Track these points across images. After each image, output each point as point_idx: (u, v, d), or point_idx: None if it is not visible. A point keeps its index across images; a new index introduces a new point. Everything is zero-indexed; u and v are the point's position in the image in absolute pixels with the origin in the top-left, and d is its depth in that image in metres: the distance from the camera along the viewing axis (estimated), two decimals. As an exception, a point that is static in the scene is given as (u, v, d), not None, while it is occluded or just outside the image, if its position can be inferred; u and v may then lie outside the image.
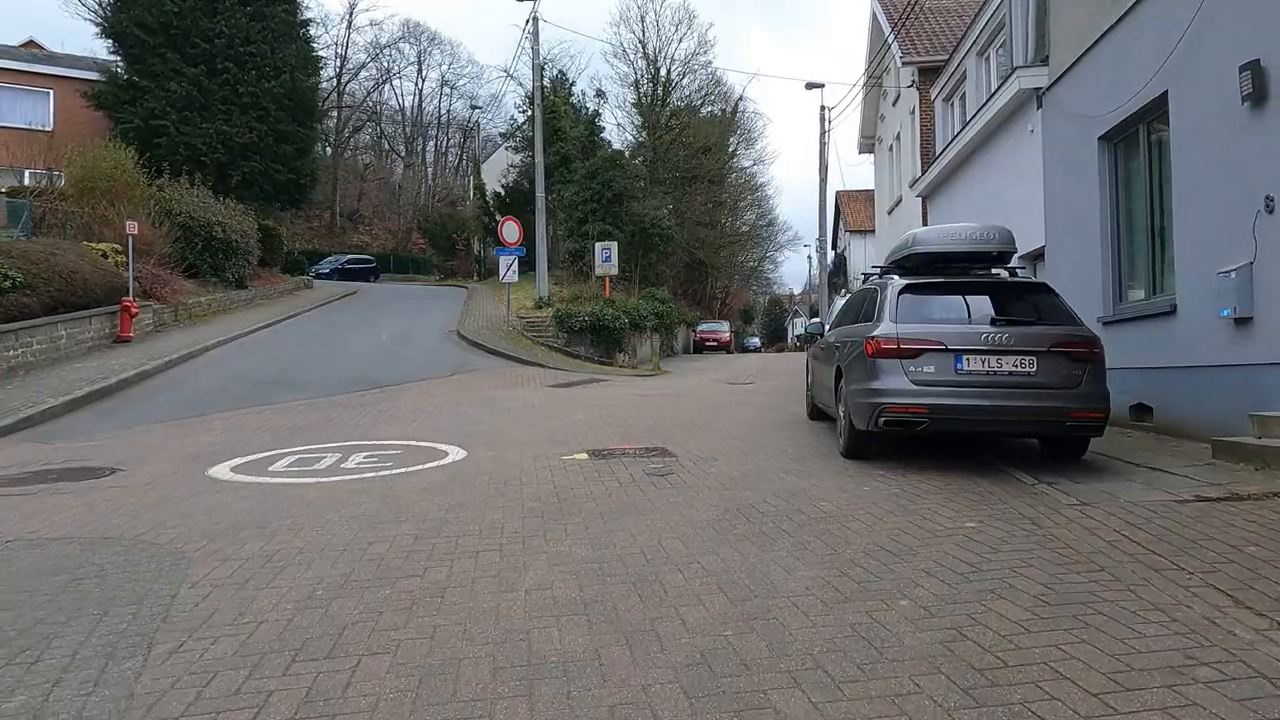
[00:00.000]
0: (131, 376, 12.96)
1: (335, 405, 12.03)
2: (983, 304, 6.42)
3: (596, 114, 36.53)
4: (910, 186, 20.34)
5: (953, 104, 16.02)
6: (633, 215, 31.57)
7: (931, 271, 7.07)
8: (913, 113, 19.92)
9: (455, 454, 7.81)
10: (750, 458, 7.22)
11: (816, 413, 9.68)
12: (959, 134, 14.29)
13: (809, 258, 70.42)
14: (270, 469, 7.25)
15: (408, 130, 72.49)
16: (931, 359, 6.04)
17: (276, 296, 28.05)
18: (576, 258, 29.79)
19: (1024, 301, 6.50)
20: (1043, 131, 10.73)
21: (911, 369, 6.07)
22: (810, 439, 8.37)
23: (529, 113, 35.74)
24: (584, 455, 7.51)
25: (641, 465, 6.88)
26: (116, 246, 17.86)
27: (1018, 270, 7.31)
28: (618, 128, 44.80)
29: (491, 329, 21.76)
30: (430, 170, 73.07)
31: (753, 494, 5.67)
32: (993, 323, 6.10)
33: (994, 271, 7.17)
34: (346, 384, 14.22)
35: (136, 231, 16.87)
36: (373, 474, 6.83)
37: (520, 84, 39.23)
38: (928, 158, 18.41)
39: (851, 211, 49.70)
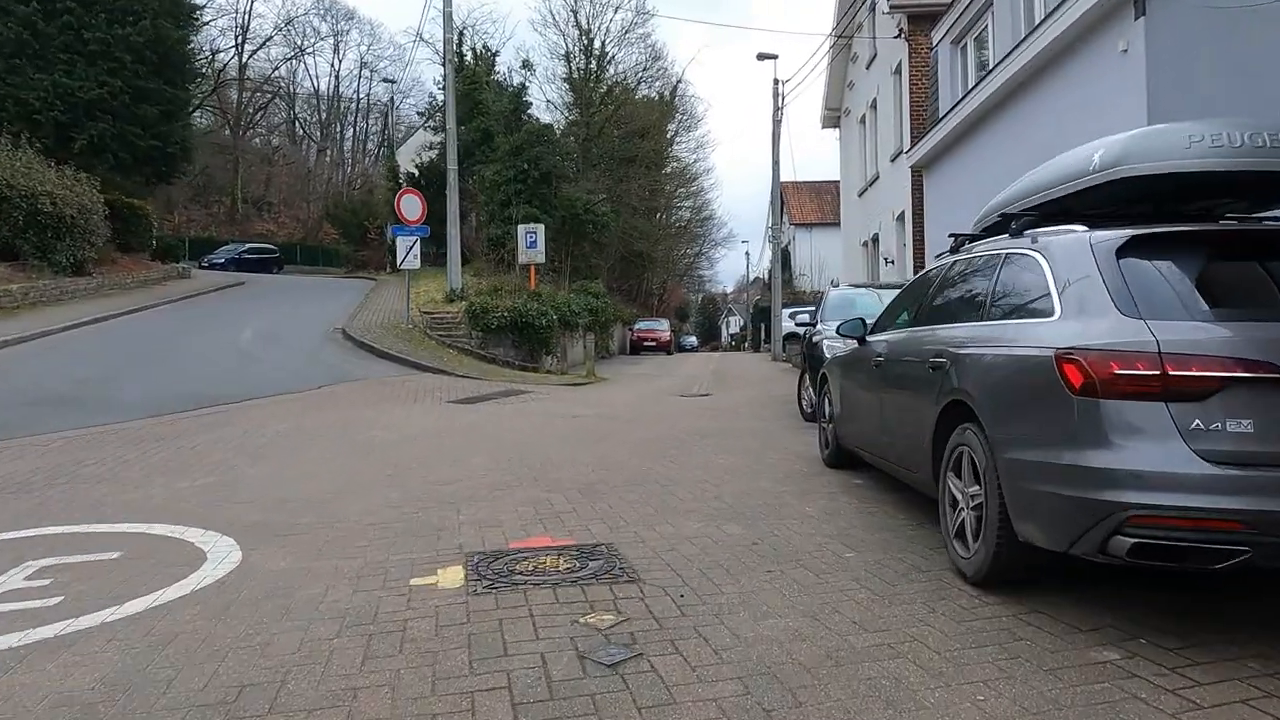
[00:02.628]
0: None
1: (115, 439, 8.06)
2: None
3: (523, 86, 32.54)
4: (893, 160, 17.22)
5: (966, 46, 12.83)
6: (563, 199, 27.82)
7: (1122, 215, 3.65)
8: (897, 72, 16.78)
9: (212, 566, 4.07)
10: (783, 585, 3.66)
11: (841, 456, 6.24)
12: (984, 78, 11.08)
13: (746, 254, 67.95)
14: None
15: (324, 114, 67.29)
16: (1244, 403, 2.61)
17: (133, 286, 23.44)
18: (498, 245, 25.90)
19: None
20: (1147, 46, 7.51)
21: (1197, 424, 2.62)
22: (863, 520, 4.86)
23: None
24: (458, 574, 3.85)
25: (569, 618, 3.25)
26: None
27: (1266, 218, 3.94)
28: (547, 104, 40.73)
29: (388, 327, 17.79)
30: (349, 158, 68.09)
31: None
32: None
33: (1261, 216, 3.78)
34: (166, 402, 10.23)
35: (-119, 191, 12.39)
36: (-34, 650, 3.05)
37: (435, 50, 35.03)
38: (920, 122, 15.27)
39: (797, 204, 46.96)
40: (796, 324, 10.68)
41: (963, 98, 11.99)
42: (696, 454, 7.29)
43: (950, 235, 4.80)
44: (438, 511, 5.17)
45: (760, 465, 6.67)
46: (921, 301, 4.89)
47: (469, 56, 35.27)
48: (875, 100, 18.89)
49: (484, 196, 28.35)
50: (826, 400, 6.62)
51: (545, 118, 36.54)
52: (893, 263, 17.45)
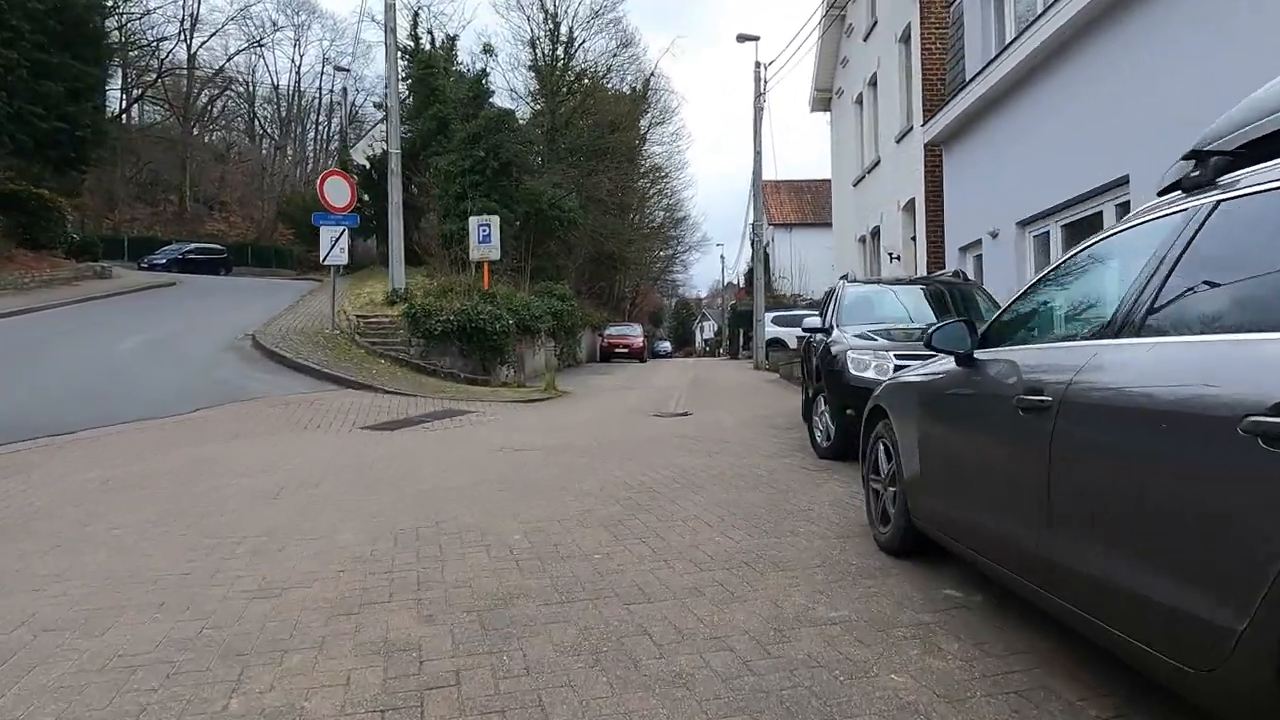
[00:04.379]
0: None
1: None
2: None
3: (484, 72, 30.01)
4: (899, 141, 15.01)
5: (1002, -10, 10.59)
6: (526, 192, 25.36)
7: None
8: (904, 39, 14.56)
9: None
10: None
11: (910, 538, 3.88)
12: (1036, 22, 8.84)
13: (721, 257, 65.98)
14: None
15: (283, 112, 64.33)
16: None
17: (33, 286, 20.69)
18: (452, 242, 23.35)
19: None
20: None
21: None
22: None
23: (407, 77, 29.05)
24: None
25: None
26: None
27: None
28: (510, 93, 38.09)
29: (309, 334, 15.23)
30: (310, 156, 65.19)
31: None
32: None
33: None
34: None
35: None
36: None
37: (385, 29, 32.33)
38: (936, 93, 13.05)
39: (776, 203, 44.86)
40: (804, 329, 8.39)
41: (1001, 52, 9.75)
42: (677, 525, 4.88)
43: (1186, 157, 2.43)
44: (196, 680, 2.73)
45: (780, 550, 4.28)
46: (1134, 288, 2.47)
47: (424, 40, 32.73)
48: (875, 76, 16.66)
49: (438, 190, 25.79)
50: (882, 448, 4.25)
51: (509, 106, 34.04)
52: (898, 259, 15.22)
